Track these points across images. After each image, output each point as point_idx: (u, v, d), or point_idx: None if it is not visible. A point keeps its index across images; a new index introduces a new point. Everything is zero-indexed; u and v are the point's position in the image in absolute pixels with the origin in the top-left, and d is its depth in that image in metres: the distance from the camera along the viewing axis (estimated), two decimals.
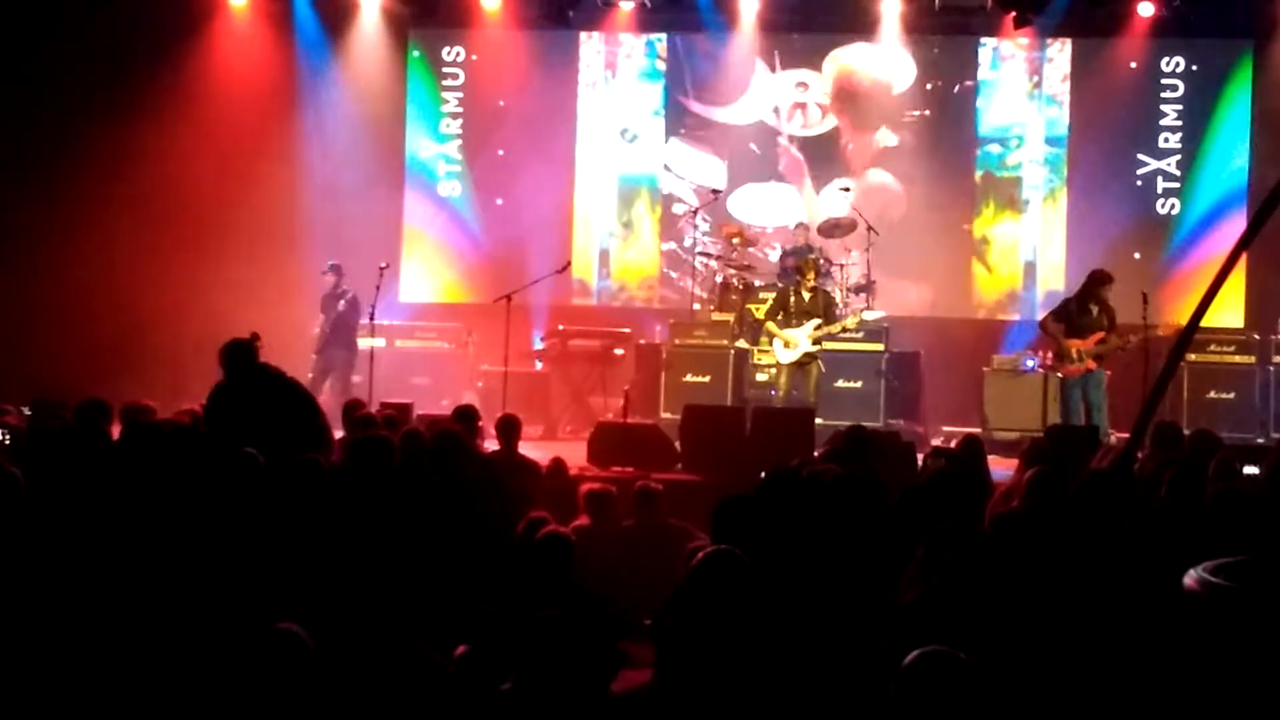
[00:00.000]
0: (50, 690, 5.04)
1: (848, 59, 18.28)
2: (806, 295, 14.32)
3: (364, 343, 15.63)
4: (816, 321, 14.16)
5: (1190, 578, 2.86)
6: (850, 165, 18.14)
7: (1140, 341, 13.71)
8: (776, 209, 18.14)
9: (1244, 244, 4.61)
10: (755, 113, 18.45)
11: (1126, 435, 12.71)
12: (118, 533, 6.46)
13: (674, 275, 18.21)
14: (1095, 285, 14.24)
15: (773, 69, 18.38)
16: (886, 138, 18.14)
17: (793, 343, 14.18)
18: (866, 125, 18.24)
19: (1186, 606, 2.85)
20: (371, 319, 15.10)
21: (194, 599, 5.93)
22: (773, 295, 15.12)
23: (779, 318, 14.31)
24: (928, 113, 18.14)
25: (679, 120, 18.60)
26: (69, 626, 5.47)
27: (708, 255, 16.89)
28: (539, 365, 16.25)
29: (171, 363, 16.12)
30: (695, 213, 17.05)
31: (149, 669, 5.30)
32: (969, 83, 18.14)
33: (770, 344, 14.65)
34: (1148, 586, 4.98)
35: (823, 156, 18.28)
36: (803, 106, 18.42)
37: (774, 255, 17.21)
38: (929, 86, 18.16)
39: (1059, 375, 14.34)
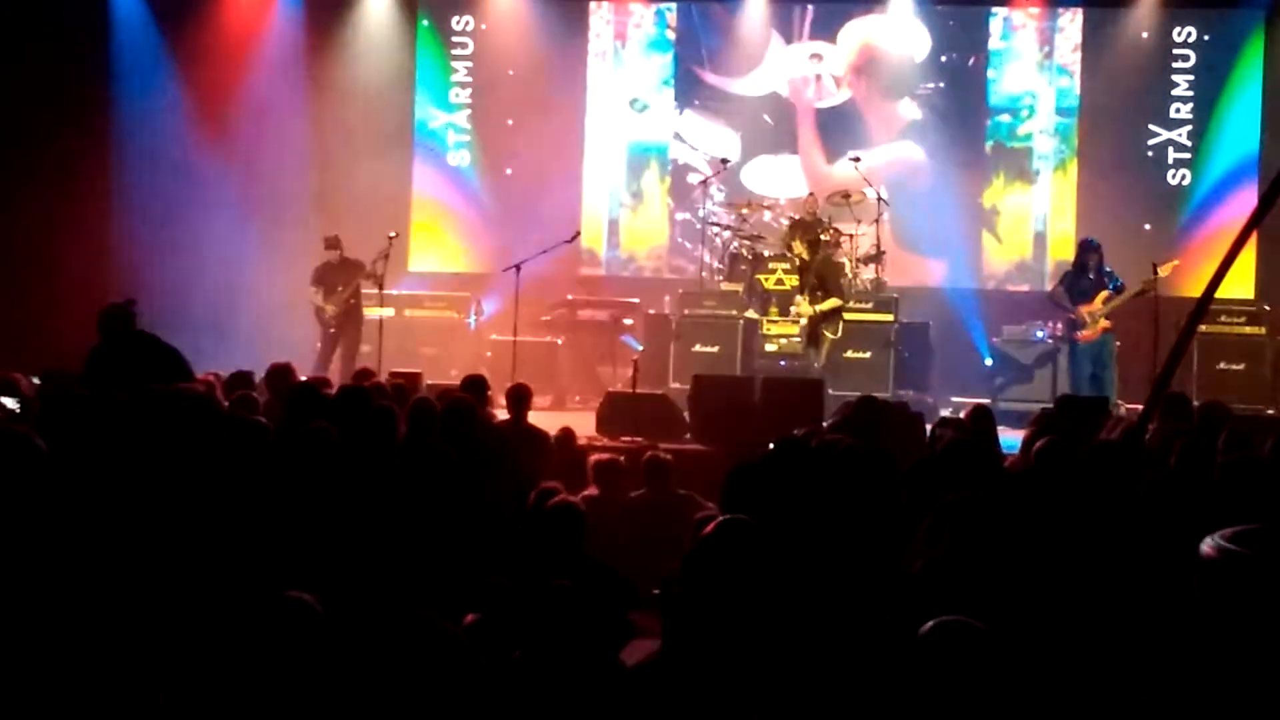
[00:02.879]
0: (62, 657, 5.06)
1: (868, 31, 18.23)
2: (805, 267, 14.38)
3: (373, 312, 15.60)
4: (806, 298, 14.22)
5: (1207, 545, 2.86)
6: (866, 137, 18.10)
7: (1151, 285, 13.86)
8: (789, 181, 18.11)
9: (1254, 222, 4.59)
10: (770, 84, 18.43)
11: (1135, 406, 12.74)
12: (130, 501, 6.47)
13: (689, 245, 18.14)
14: (1081, 254, 14.72)
15: (788, 40, 18.36)
16: (909, 109, 18.12)
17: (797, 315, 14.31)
18: (889, 96, 18.21)
19: (1200, 574, 2.85)
20: (380, 288, 15.09)
21: (204, 567, 5.94)
22: (785, 267, 15.18)
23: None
24: (942, 85, 18.11)
25: (693, 91, 18.59)
26: (82, 595, 5.49)
27: (718, 225, 16.86)
28: (559, 341, 16.18)
29: (182, 332, 16.14)
30: (706, 182, 17.04)
31: (161, 634, 5.32)
32: (982, 56, 18.09)
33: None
34: (1156, 557, 4.98)
35: (837, 129, 18.25)
36: (818, 78, 18.38)
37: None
38: (943, 59, 18.12)
39: (1075, 342, 14.41)
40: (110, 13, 17.52)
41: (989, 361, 16.13)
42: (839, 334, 14.28)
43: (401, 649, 4.19)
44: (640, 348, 15.83)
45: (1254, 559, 2.78)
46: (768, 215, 17.08)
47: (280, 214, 17.40)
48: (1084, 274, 14.47)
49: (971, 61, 18.11)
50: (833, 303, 14.21)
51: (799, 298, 14.39)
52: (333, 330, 15.33)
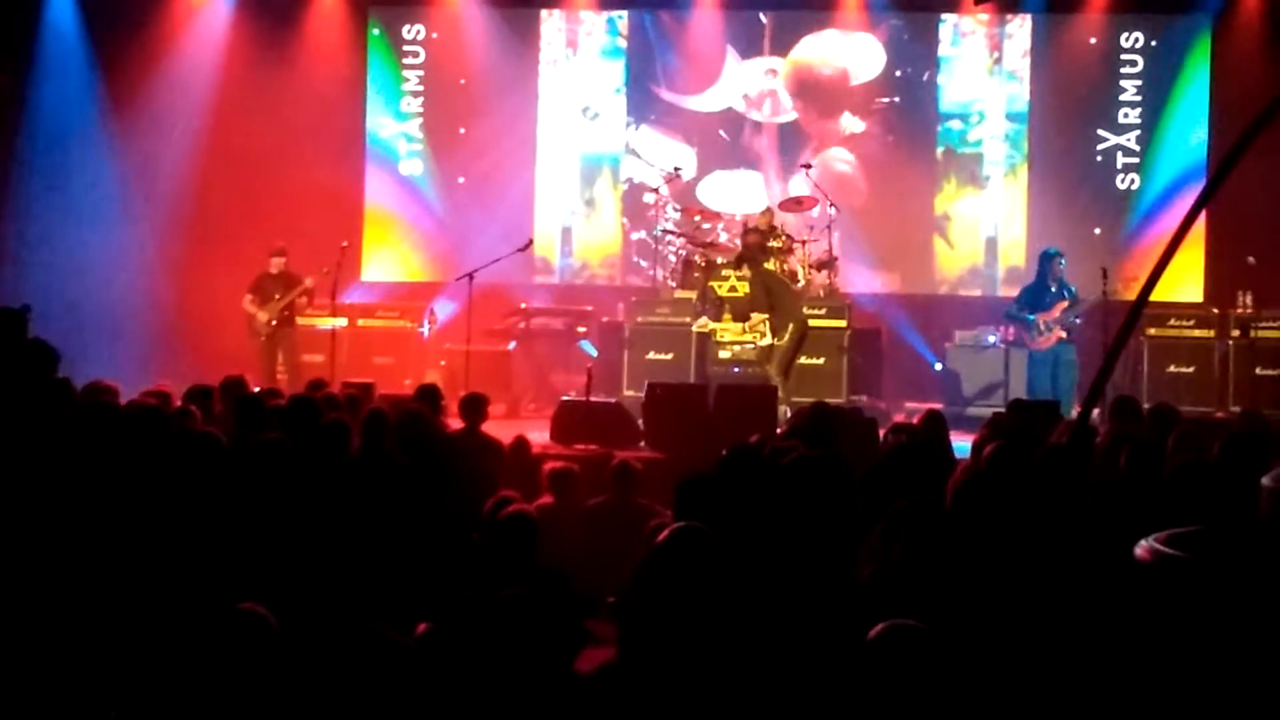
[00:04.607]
0: (13, 670, 5.03)
1: (821, 44, 18.26)
2: (745, 290, 14.37)
3: (325, 322, 15.54)
4: (748, 320, 14.24)
5: (1141, 548, 2.88)
6: (820, 148, 18.14)
7: (1100, 301, 14.04)
8: (745, 195, 18.10)
9: (1199, 206, 4.62)
10: (725, 100, 18.45)
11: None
12: (81, 514, 6.43)
13: (644, 264, 18.04)
14: (1045, 262, 14.90)
15: (743, 55, 18.37)
16: (862, 121, 18.17)
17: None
18: (843, 108, 18.25)
19: (1139, 577, 2.88)
20: (333, 298, 15.04)
21: (157, 579, 5.92)
22: (738, 275, 15.20)
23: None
24: (897, 99, 18.16)
25: (648, 107, 18.55)
26: (33, 609, 5.46)
27: (671, 233, 16.81)
28: (512, 345, 16.21)
29: (135, 344, 16.07)
30: (658, 193, 16.96)
31: (113, 647, 5.30)
32: (933, 64, 18.16)
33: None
34: (1104, 559, 5.01)
35: (792, 143, 18.29)
36: (773, 94, 18.41)
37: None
38: (898, 73, 18.16)
39: (1030, 350, 14.64)
40: (42, 13, 17.39)
41: (938, 367, 16.24)
42: (785, 340, 14.27)
43: (354, 660, 4.19)
44: (595, 353, 15.85)
45: (1187, 561, 2.81)
46: (724, 236, 16.97)
47: (224, 224, 17.29)
48: (1045, 288, 14.66)
49: (925, 75, 18.16)
50: (760, 316, 14.24)
51: (746, 324, 14.36)
52: (263, 339, 15.29)
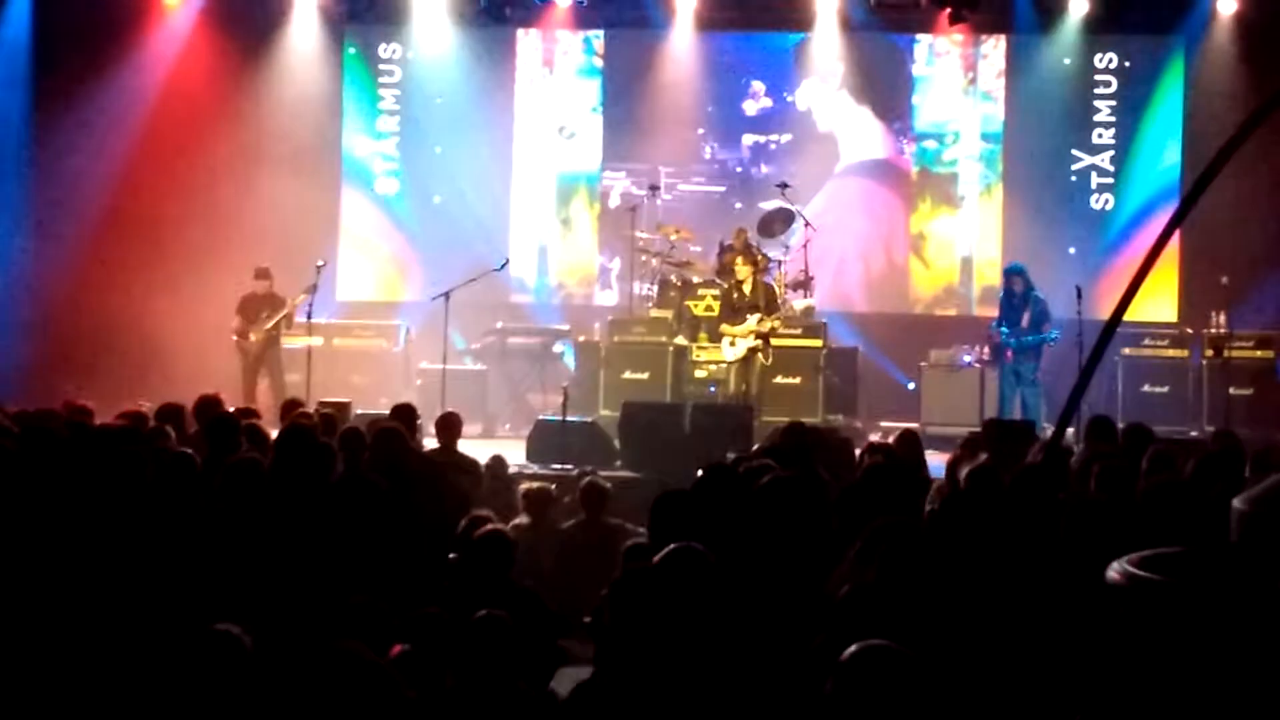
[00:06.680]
0: None
1: (799, 63, 18.35)
2: (747, 290, 14.35)
3: (300, 341, 15.49)
4: (758, 316, 14.18)
5: (1114, 571, 2.88)
6: (799, 166, 18.16)
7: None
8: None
9: (1173, 225, 4.63)
10: None
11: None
12: (56, 533, 6.41)
13: (615, 271, 18.13)
14: (1005, 280, 15.40)
15: (719, 77, 18.41)
16: (840, 136, 18.24)
17: (737, 340, 14.22)
18: (821, 125, 18.33)
19: (1113, 600, 2.89)
20: (309, 318, 15.02)
21: (132, 599, 5.90)
22: (714, 294, 15.20)
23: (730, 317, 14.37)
24: (869, 112, 18.22)
25: (624, 125, 18.54)
26: (8, 628, 5.44)
27: (646, 252, 16.79)
28: (467, 361, 16.28)
29: (110, 364, 16.01)
30: (633, 209, 16.98)
31: (86, 668, 5.27)
32: (907, 82, 18.24)
33: (720, 344, 14.66)
34: (1078, 581, 5.02)
35: (770, 161, 18.34)
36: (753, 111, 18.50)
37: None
38: (871, 88, 18.22)
39: (1004, 364, 14.83)
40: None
41: (911, 386, 16.31)
42: (770, 359, 14.32)
43: (327, 681, 4.17)
44: (574, 365, 15.90)
45: (1160, 584, 2.81)
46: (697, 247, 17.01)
47: (198, 243, 17.22)
48: (1010, 303, 14.85)
49: (898, 90, 18.24)
50: (779, 319, 14.29)
51: (750, 318, 14.22)
52: (250, 359, 15.31)
